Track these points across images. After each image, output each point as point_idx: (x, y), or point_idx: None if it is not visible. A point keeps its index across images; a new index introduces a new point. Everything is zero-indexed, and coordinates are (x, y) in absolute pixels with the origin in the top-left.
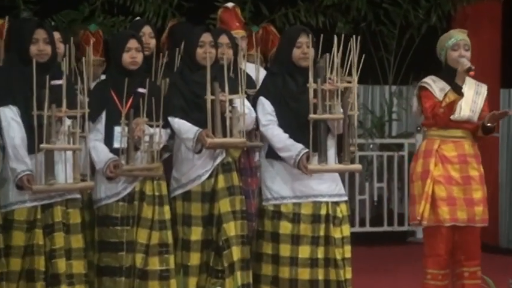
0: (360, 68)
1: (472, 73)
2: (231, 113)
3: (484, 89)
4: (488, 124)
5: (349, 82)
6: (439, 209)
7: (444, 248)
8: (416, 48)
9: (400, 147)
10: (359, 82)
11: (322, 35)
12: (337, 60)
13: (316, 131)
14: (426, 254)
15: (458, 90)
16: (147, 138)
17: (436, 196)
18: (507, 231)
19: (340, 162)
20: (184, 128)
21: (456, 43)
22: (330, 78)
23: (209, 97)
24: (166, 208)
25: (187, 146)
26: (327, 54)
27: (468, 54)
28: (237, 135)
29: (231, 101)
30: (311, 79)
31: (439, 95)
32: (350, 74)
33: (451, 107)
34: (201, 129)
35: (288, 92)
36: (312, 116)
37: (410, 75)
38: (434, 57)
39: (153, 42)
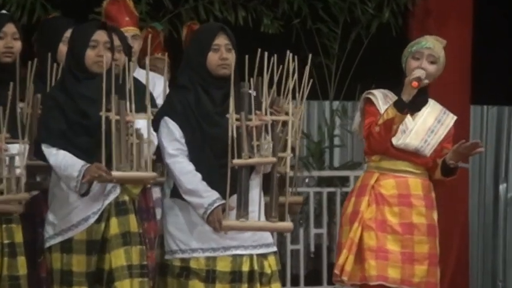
0: (303, 92)
1: (414, 84)
2: (135, 138)
3: (450, 119)
4: (451, 162)
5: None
6: (365, 263)
7: None
8: (365, 52)
9: (344, 181)
10: (291, 97)
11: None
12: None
13: (236, 175)
14: None
15: (399, 106)
16: (7, 159)
17: (364, 245)
18: (480, 286)
19: (266, 216)
20: (66, 162)
21: (419, 50)
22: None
23: (104, 113)
24: (21, 260)
25: (69, 187)
26: (272, 78)
27: (432, 68)
28: (143, 167)
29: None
30: (232, 107)
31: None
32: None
33: (389, 126)
34: (88, 164)
35: (202, 112)
36: (236, 161)
37: (358, 87)
38: (389, 63)
39: (17, 46)
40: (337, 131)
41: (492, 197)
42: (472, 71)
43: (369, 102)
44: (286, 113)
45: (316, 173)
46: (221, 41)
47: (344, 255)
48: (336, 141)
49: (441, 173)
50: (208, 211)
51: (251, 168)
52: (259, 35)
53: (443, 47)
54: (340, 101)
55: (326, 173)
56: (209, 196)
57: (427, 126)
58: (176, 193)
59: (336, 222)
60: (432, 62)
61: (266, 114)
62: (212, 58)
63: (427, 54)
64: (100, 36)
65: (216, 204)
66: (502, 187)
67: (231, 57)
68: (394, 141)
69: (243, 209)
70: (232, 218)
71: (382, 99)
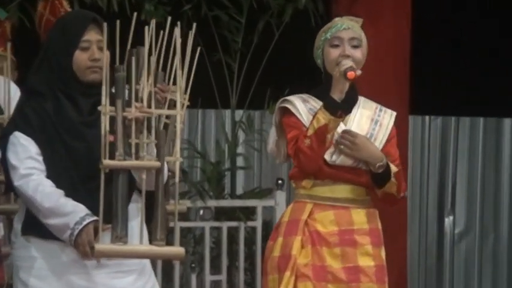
0: (189, 82)
1: (350, 74)
2: None
3: (389, 117)
4: (379, 165)
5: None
6: None
7: None
8: (277, 46)
9: (249, 213)
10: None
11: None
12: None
13: (111, 188)
14: None
15: (332, 108)
16: None
17: None
18: None
19: (150, 240)
20: None
21: (336, 35)
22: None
23: None
24: None
25: None
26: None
27: (358, 53)
28: None
29: None
30: (104, 99)
31: (307, 121)
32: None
33: (322, 136)
34: None
35: (64, 123)
36: (106, 162)
37: (267, 91)
38: (307, 61)
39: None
40: (240, 149)
41: (436, 233)
42: (411, 73)
43: (287, 112)
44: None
45: (213, 203)
46: (92, 36)
47: None
48: (240, 161)
49: (374, 184)
50: (76, 231)
51: (131, 184)
52: (140, 25)
53: (361, 26)
54: (244, 110)
55: (226, 203)
56: (76, 212)
57: (364, 131)
58: (30, 228)
59: (238, 266)
60: (355, 46)
61: (150, 106)
62: (80, 58)
63: (348, 38)
64: None
65: (85, 222)
66: (447, 221)
67: (106, 57)
68: (327, 157)
69: (120, 228)
70: (108, 241)
71: (302, 106)
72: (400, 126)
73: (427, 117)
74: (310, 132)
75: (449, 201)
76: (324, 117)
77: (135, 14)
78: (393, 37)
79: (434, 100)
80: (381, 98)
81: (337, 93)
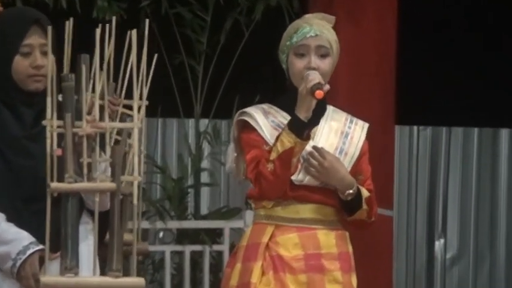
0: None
1: (319, 93)
2: None
3: (360, 129)
4: (349, 193)
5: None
6: None
7: None
8: (247, 47)
9: (215, 236)
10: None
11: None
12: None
13: (59, 210)
14: None
15: (298, 129)
16: None
17: None
18: None
19: (104, 271)
20: None
21: (302, 42)
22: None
23: None
24: None
25: None
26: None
27: (326, 64)
28: None
29: None
30: (50, 112)
31: (270, 137)
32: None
33: (287, 160)
34: None
35: (5, 137)
36: (54, 185)
37: (235, 99)
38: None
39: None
40: (205, 163)
41: (425, 258)
42: (398, 79)
43: (246, 127)
44: (126, 107)
45: (175, 224)
46: (35, 39)
47: None
48: (204, 177)
49: (345, 211)
50: (19, 262)
51: (81, 205)
52: (91, 24)
53: (333, 26)
54: (210, 119)
55: (189, 224)
56: (18, 240)
57: (333, 146)
58: None
59: None
60: (323, 56)
61: (103, 119)
62: (20, 65)
63: (315, 46)
64: None
65: (29, 251)
66: (438, 244)
67: (50, 62)
68: (293, 176)
69: (70, 258)
70: (56, 272)
71: (263, 119)
72: (385, 137)
73: (415, 128)
74: (273, 155)
75: (440, 222)
76: (289, 140)
77: (71, 19)
78: (377, 38)
79: (424, 108)
80: (364, 106)
81: (303, 112)
